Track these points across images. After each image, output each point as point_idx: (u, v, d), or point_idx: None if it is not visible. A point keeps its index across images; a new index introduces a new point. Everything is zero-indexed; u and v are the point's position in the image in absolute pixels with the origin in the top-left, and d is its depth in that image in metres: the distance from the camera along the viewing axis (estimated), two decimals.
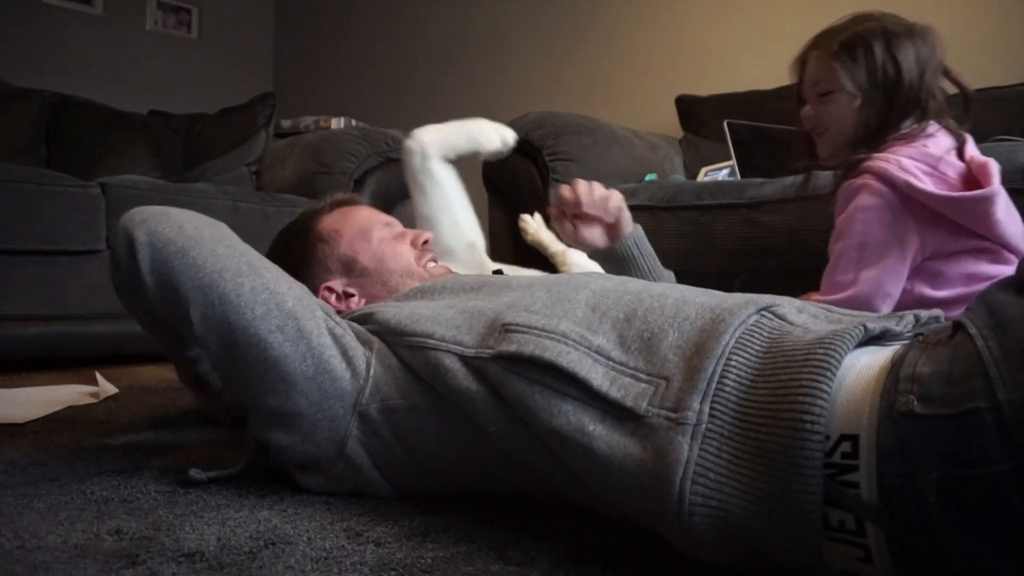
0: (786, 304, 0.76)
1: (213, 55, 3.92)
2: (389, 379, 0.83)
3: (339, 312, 0.97)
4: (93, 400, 1.45)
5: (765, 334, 0.69)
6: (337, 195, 1.20)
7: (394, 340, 0.84)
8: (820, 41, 1.21)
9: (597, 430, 0.68)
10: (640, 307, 0.76)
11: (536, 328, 0.75)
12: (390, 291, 1.05)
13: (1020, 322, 0.56)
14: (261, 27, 4.17)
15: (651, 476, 0.64)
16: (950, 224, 1.11)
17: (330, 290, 1.06)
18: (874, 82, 1.16)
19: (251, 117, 2.72)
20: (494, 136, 1.40)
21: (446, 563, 0.68)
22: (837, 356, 0.62)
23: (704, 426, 0.63)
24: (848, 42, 1.17)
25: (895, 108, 1.16)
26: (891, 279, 1.12)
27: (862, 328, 0.66)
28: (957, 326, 0.61)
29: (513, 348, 0.74)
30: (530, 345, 0.73)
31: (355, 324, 0.89)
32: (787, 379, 0.62)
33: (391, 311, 0.87)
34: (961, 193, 1.10)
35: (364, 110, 3.53)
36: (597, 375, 0.70)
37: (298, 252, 1.10)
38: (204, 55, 3.90)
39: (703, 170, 2.19)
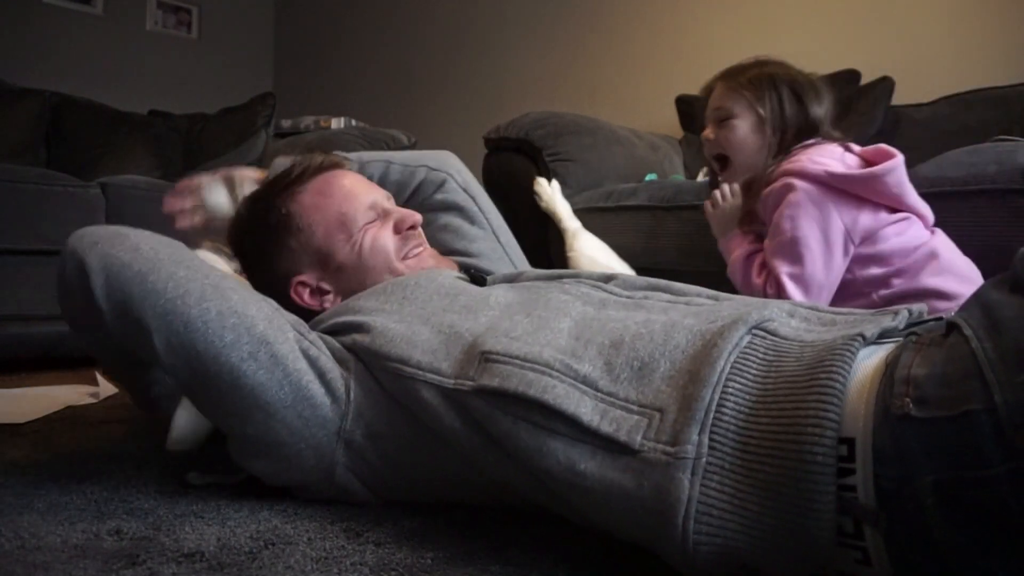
0: (775, 313, 0.73)
1: (213, 55, 3.92)
2: (371, 404, 0.81)
3: (311, 310, 0.96)
4: (93, 400, 1.45)
5: (760, 356, 0.67)
6: (315, 159, 1.06)
7: (369, 361, 0.81)
8: (728, 74, 1.34)
9: (589, 468, 0.65)
10: (627, 333, 0.72)
11: (518, 358, 0.72)
12: (366, 288, 0.98)
13: (1015, 323, 0.55)
14: (261, 27, 4.17)
15: (651, 515, 0.62)
16: (870, 205, 1.18)
17: (303, 284, 1.00)
18: (777, 115, 1.28)
19: (251, 117, 2.72)
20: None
21: (446, 563, 0.69)
22: (841, 379, 0.60)
23: (704, 459, 0.61)
24: (754, 79, 1.30)
25: (798, 136, 1.28)
26: (821, 270, 1.17)
27: (860, 339, 0.64)
28: (951, 326, 0.61)
29: (496, 383, 0.71)
30: (513, 379, 0.70)
31: (329, 339, 0.86)
32: (791, 408, 0.60)
33: (366, 328, 0.83)
34: (875, 167, 1.17)
35: (364, 110, 3.53)
36: (586, 408, 0.67)
37: (267, 237, 1.01)
38: (204, 55, 3.89)
39: (703, 170, 2.19)
